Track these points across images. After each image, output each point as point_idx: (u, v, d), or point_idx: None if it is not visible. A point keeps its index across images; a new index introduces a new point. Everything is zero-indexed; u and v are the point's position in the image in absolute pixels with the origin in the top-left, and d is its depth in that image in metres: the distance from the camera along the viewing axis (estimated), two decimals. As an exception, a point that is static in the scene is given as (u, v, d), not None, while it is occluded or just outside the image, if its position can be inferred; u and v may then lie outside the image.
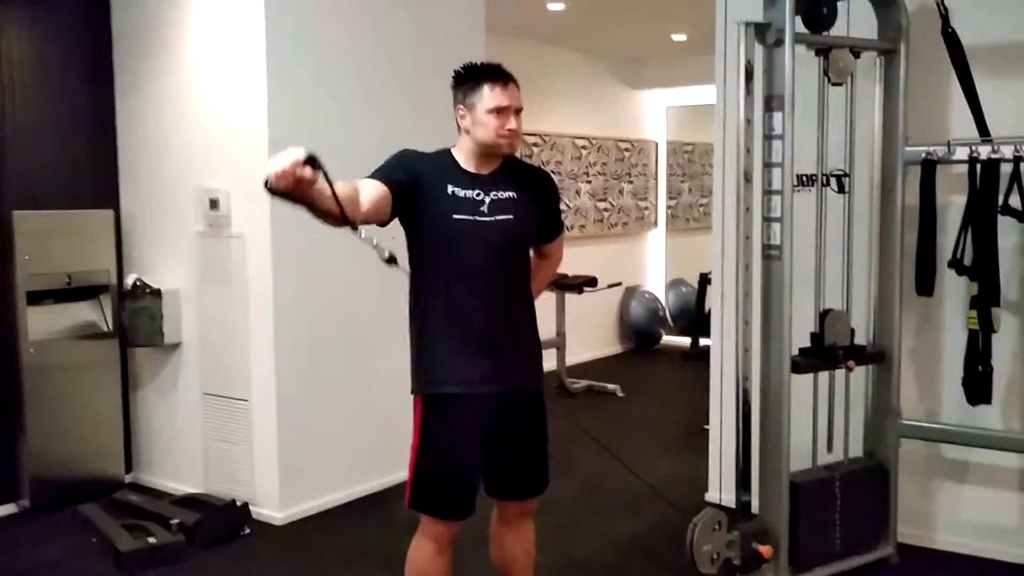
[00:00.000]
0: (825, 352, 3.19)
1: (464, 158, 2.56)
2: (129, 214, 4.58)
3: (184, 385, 4.45)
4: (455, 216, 2.47)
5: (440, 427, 2.54)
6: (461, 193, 2.50)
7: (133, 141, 4.54)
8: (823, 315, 3.20)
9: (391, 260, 2.29)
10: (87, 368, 4.39)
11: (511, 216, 2.53)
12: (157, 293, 4.34)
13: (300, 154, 1.99)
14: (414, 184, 2.46)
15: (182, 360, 4.44)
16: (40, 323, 4.21)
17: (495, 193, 2.53)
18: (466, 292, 2.50)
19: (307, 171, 2.01)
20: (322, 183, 2.07)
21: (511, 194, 2.55)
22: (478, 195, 2.51)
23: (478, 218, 2.49)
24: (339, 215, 2.16)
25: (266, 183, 2.01)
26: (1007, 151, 3.11)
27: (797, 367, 3.09)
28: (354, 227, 2.19)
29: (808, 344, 3.23)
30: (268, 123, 3.96)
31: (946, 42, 3.26)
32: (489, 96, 2.47)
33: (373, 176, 2.44)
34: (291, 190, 2.03)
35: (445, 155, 2.58)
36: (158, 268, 4.46)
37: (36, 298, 4.20)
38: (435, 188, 2.48)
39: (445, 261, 2.50)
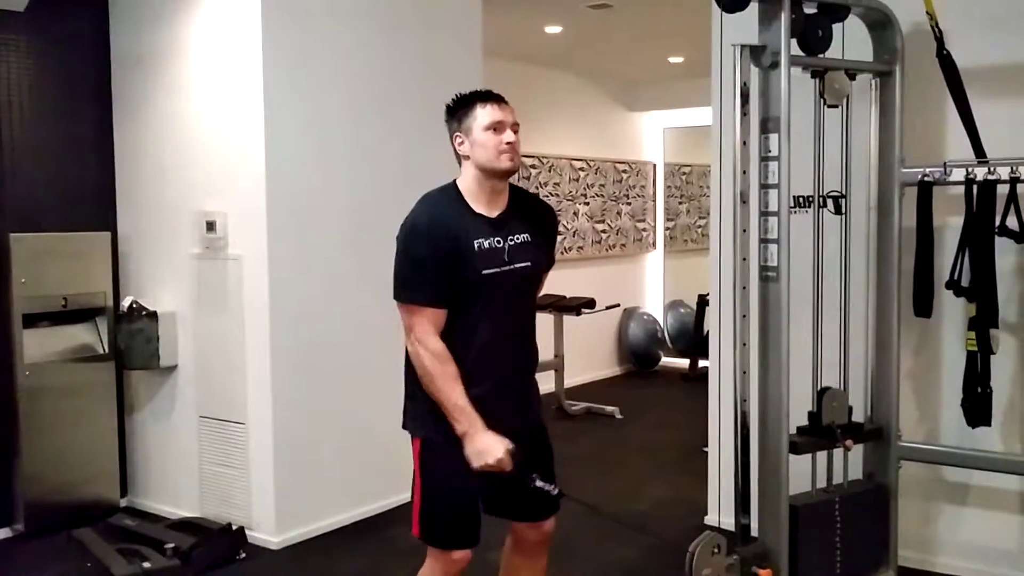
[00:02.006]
0: (823, 431, 3.19)
1: (472, 195, 2.52)
2: (126, 236, 4.58)
3: (180, 408, 4.43)
4: (484, 272, 2.45)
5: (445, 465, 2.52)
6: (486, 244, 2.47)
7: (130, 163, 4.54)
8: (820, 393, 3.20)
9: (561, 495, 2.55)
10: (83, 391, 4.37)
11: (529, 263, 2.54)
12: (153, 315, 4.33)
13: (507, 461, 2.40)
14: (452, 269, 2.43)
15: (178, 383, 4.42)
16: (36, 346, 4.20)
17: (512, 238, 2.52)
18: (487, 339, 2.49)
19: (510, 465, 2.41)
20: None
21: (526, 236, 2.54)
22: (499, 242, 2.49)
23: (502, 268, 2.48)
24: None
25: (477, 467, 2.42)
26: (1003, 172, 3.11)
27: (795, 447, 3.09)
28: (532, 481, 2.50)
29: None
30: (265, 146, 3.97)
31: (941, 64, 3.27)
32: (483, 113, 2.47)
33: (421, 297, 2.43)
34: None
35: (453, 197, 2.53)
36: (154, 290, 4.45)
37: (32, 320, 4.19)
38: (465, 249, 2.44)
39: (467, 311, 2.47)
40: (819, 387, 3.23)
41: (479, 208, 2.51)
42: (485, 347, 2.49)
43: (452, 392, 2.41)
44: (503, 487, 2.56)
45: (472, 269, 2.43)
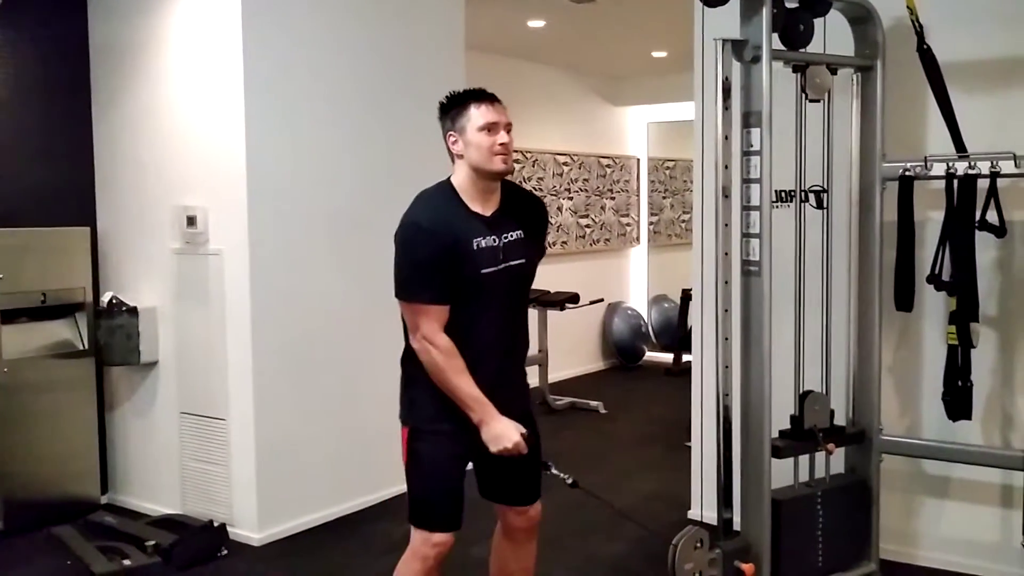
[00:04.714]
0: (805, 435, 3.20)
1: (467, 193, 2.55)
2: (105, 231, 4.54)
3: (161, 404, 4.40)
4: (484, 271, 2.49)
5: (428, 449, 2.60)
6: (483, 243, 2.51)
7: (110, 158, 4.50)
8: (803, 397, 3.21)
9: (575, 484, 2.63)
10: (62, 387, 4.33)
11: (523, 260, 2.59)
12: (133, 311, 4.29)
13: (523, 444, 2.48)
14: (454, 269, 2.46)
15: (159, 379, 4.39)
16: (14, 342, 4.16)
17: (507, 236, 2.56)
18: (486, 333, 2.55)
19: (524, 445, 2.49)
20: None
21: (519, 233, 2.59)
22: (495, 241, 2.53)
23: (499, 267, 2.53)
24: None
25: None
26: (984, 167, 3.12)
27: (777, 451, 3.09)
28: (547, 467, 2.64)
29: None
30: (246, 140, 3.94)
31: (922, 59, 3.28)
32: (477, 114, 2.50)
33: (426, 295, 2.46)
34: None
35: (450, 196, 2.56)
36: (134, 286, 4.42)
37: (10, 316, 4.14)
38: (466, 249, 2.47)
39: (464, 309, 2.51)
40: (801, 389, 3.23)
41: (475, 207, 2.55)
42: (484, 340, 2.54)
43: (463, 384, 2.47)
44: (493, 469, 2.64)
45: (473, 268, 2.48)
